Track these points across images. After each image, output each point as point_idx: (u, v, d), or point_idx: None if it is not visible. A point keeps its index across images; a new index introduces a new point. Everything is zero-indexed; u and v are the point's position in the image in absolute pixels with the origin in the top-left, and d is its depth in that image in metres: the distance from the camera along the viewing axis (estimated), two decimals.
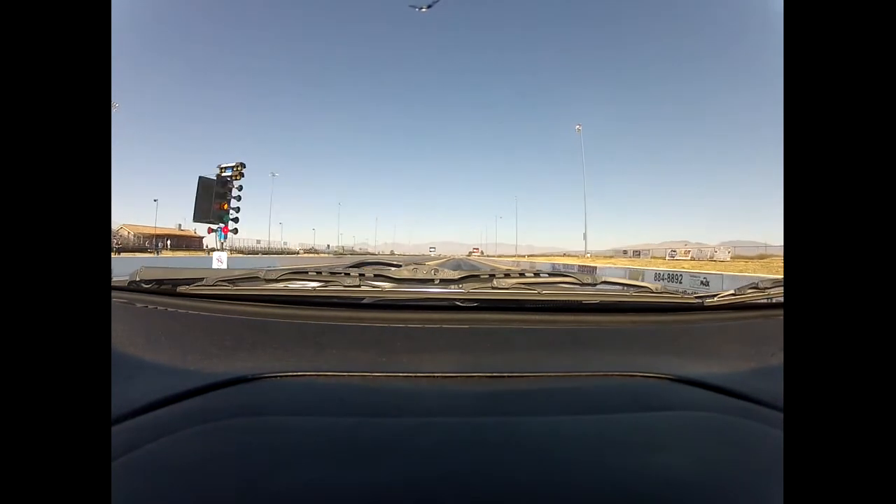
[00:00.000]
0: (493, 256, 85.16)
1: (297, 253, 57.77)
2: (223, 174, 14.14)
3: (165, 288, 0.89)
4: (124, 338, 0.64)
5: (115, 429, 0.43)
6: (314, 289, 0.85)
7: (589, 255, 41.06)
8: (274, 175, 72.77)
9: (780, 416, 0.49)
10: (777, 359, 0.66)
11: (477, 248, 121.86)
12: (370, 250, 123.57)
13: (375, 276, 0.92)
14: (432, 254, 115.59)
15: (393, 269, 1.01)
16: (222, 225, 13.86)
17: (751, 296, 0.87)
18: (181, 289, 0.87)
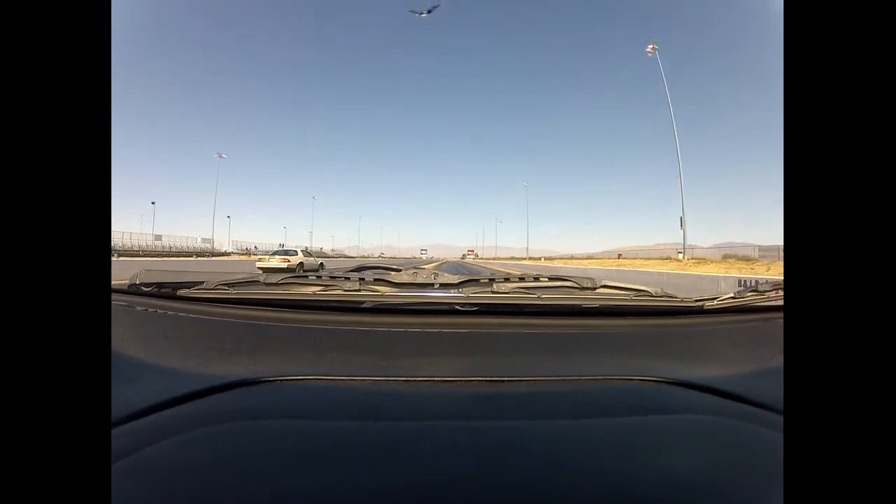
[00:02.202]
0: (494, 260, 70.34)
1: (212, 255, 40.44)
2: None
3: (165, 291, 0.90)
4: (124, 340, 0.64)
5: (114, 431, 0.43)
6: (314, 293, 0.85)
7: (683, 255, 23.27)
8: (220, 157, 56.34)
9: (780, 418, 0.49)
10: (777, 361, 0.65)
11: (472, 251, 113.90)
12: (348, 252, 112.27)
13: (375, 280, 0.92)
14: (424, 256, 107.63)
15: (393, 273, 1.00)
16: None
17: (750, 299, 0.87)
18: (181, 292, 0.87)
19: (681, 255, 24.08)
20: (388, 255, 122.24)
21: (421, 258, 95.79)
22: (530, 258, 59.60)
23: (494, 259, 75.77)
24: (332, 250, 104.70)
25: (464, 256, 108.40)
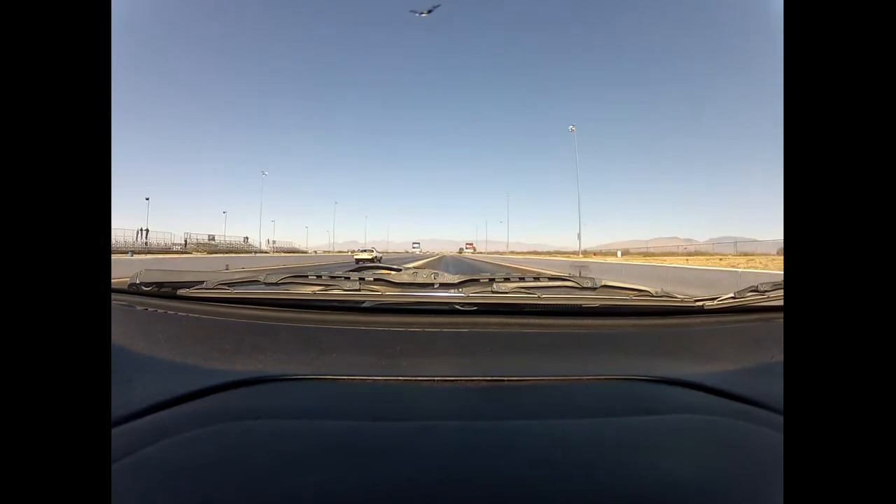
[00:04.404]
0: (501, 255, 50.54)
1: None
2: None
3: (165, 291, 0.90)
4: (124, 340, 0.64)
5: (114, 431, 0.43)
6: (314, 292, 0.85)
7: None
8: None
9: (781, 418, 0.49)
10: (777, 361, 0.66)
11: (471, 245, 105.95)
12: (298, 246, 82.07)
13: (375, 279, 0.92)
14: (416, 251, 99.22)
15: (393, 272, 1.01)
16: None
17: (750, 299, 0.87)
18: (181, 292, 0.87)
19: None
20: (379, 250, 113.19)
21: (414, 252, 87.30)
22: (595, 253, 36.86)
23: (501, 255, 50.96)
24: (280, 243, 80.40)
25: (461, 251, 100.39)
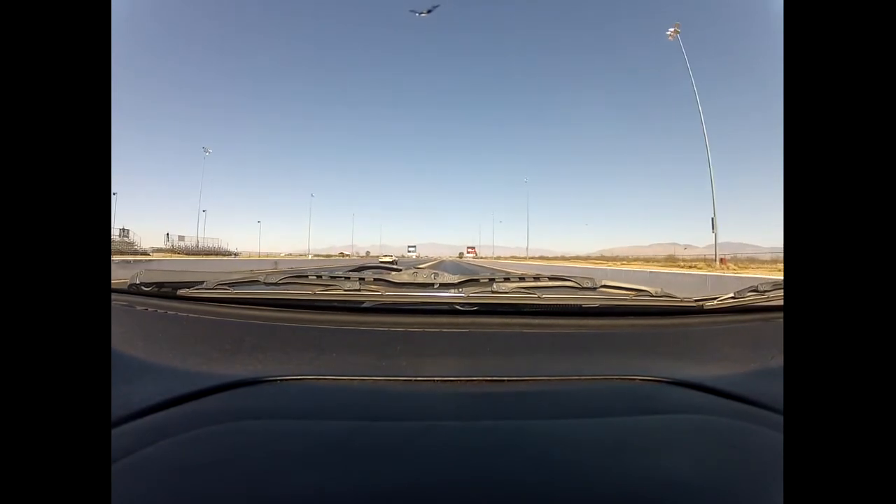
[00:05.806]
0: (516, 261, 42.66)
1: None
2: None
3: (165, 291, 0.90)
4: (124, 340, 0.64)
5: (114, 431, 0.43)
6: (314, 292, 0.85)
7: None
8: None
9: (780, 418, 0.49)
10: (777, 361, 0.66)
11: (472, 249, 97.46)
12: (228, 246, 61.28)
13: (375, 280, 0.93)
14: (412, 255, 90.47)
15: (393, 273, 1.02)
16: None
17: (750, 299, 0.87)
18: (181, 292, 0.88)
19: None
20: (373, 254, 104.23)
21: (410, 257, 78.43)
22: (704, 261, 23.18)
23: (518, 262, 42.12)
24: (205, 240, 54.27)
25: (461, 255, 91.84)
